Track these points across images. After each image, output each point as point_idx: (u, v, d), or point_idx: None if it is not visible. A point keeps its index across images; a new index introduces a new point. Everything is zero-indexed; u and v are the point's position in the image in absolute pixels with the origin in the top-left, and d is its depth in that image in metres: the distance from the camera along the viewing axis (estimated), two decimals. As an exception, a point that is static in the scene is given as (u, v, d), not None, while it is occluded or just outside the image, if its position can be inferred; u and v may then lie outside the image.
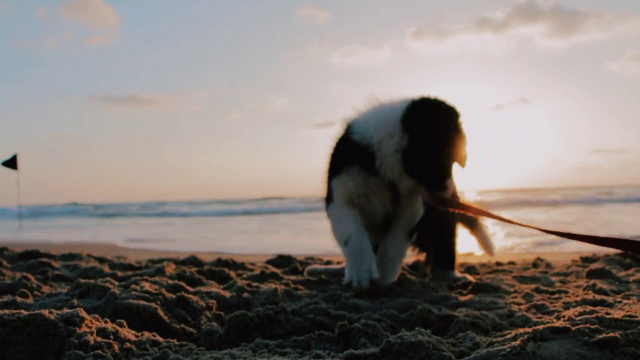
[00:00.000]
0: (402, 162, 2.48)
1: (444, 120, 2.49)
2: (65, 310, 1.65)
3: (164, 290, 2.20)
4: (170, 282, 2.49)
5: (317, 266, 3.33)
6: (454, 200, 2.62)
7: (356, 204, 2.62)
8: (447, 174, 2.54)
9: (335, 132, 2.77)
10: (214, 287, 2.63)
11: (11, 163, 13.84)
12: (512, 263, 4.04)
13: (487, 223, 3.18)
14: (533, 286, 2.72)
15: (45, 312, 1.55)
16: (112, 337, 1.58)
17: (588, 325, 1.47)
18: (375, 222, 2.68)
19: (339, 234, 2.62)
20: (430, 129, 2.46)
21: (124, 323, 1.77)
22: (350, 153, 2.59)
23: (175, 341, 1.72)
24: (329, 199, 2.71)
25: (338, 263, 3.39)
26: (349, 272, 2.51)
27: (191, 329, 1.97)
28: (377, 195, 2.61)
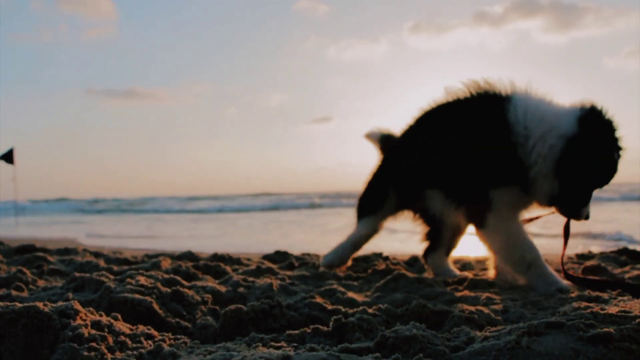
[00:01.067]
0: (558, 185, 2.23)
1: (613, 137, 2.22)
2: (60, 303, 1.65)
3: (159, 285, 2.20)
4: (166, 276, 2.49)
5: None
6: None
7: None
8: (587, 199, 2.33)
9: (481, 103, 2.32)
10: (210, 282, 2.63)
11: (7, 157, 13.77)
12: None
13: None
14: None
15: (40, 304, 1.55)
16: (106, 330, 1.58)
17: (583, 320, 1.47)
18: None
19: (519, 255, 2.33)
20: (596, 146, 2.18)
21: (119, 317, 1.77)
22: (512, 151, 2.26)
23: (170, 335, 1.71)
24: (483, 207, 2.33)
25: None
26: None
27: (186, 323, 1.96)
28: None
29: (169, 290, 2.14)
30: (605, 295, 2.14)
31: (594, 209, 2.50)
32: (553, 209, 2.42)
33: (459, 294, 2.37)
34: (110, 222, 15.50)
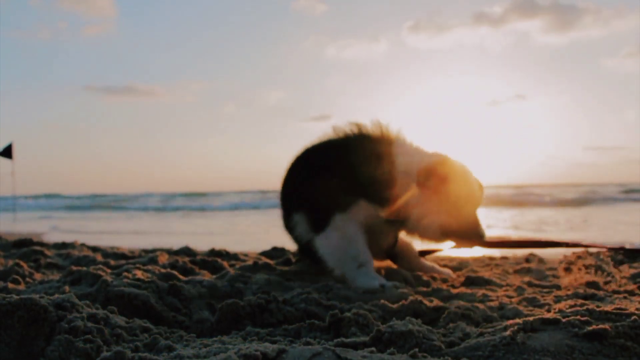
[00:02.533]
0: (438, 226, 2.52)
1: (464, 178, 2.57)
2: (57, 296, 1.65)
3: (156, 279, 2.20)
4: (163, 270, 2.49)
5: None
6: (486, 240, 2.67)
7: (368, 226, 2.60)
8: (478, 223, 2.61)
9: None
10: (207, 277, 2.63)
11: (6, 152, 13.73)
12: (504, 257, 4.05)
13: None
14: (525, 280, 2.73)
15: (36, 296, 1.55)
16: (102, 322, 1.58)
17: (578, 317, 1.47)
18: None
19: (351, 255, 2.52)
20: (455, 191, 2.51)
21: (115, 310, 1.77)
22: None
23: (166, 328, 1.72)
24: (339, 206, 2.57)
25: None
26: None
27: (183, 317, 1.97)
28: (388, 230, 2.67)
29: (165, 284, 2.14)
30: (600, 293, 2.15)
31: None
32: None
33: (455, 291, 2.37)
34: (89, 219, 15.49)
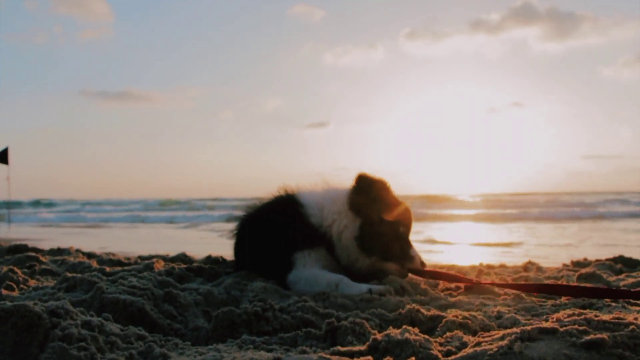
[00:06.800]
0: (362, 248, 2.67)
1: (385, 194, 2.73)
2: (51, 303, 1.63)
3: (151, 286, 2.18)
4: (159, 278, 2.47)
5: None
6: (423, 269, 2.78)
7: None
8: (408, 245, 2.77)
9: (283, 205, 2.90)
10: (203, 284, 2.61)
11: (2, 157, 13.67)
12: (503, 266, 4.04)
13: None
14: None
15: (30, 303, 1.54)
16: (97, 330, 1.56)
17: (576, 326, 1.46)
18: None
19: (324, 284, 2.56)
20: (377, 209, 2.68)
21: (110, 317, 1.75)
22: (311, 236, 2.73)
23: (161, 336, 1.70)
24: (287, 268, 2.70)
25: None
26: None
27: (178, 325, 1.95)
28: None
29: (161, 291, 2.12)
30: (599, 302, 2.14)
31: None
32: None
33: (453, 299, 2.36)
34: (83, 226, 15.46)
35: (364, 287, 2.43)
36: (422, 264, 2.79)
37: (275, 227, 2.84)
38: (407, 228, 2.79)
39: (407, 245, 2.77)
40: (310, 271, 2.64)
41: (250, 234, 3.02)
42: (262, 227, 2.93)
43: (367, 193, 2.70)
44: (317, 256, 2.71)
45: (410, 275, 2.76)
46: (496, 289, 2.59)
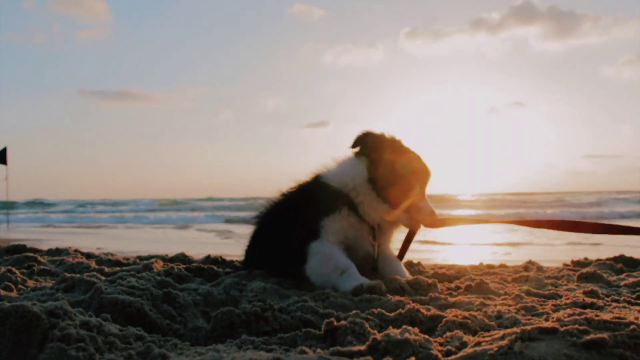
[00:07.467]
0: (375, 190, 2.76)
1: (394, 149, 2.83)
2: (49, 303, 1.62)
3: (150, 286, 2.18)
4: (158, 278, 2.46)
5: None
6: (436, 218, 2.85)
7: (343, 242, 2.80)
8: (419, 195, 2.82)
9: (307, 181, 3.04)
10: (202, 284, 2.60)
11: (0, 157, 13.66)
12: (503, 266, 4.03)
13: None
14: (523, 288, 2.71)
15: (29, 303, 1.53)
16: (95, 330, 1.56)
17: (577, 326, 1.46)
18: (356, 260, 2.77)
19: (332, 266, 2.63)
20: (386, 165, 2.77)
21: (109, 317, 1.74)
22: (334, 199, 2.82)
23: (160, 336, 1.69)
24: (311, 236, 2.76)
25: None
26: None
27: (177, 325, 1.94)
28: (362, 237, 2.83)
29: (160, 291, 2.11)
30: (600, 302, 2.13)
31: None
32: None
33: (452, 299, 2.36)
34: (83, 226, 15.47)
35: (357, 281, 2.45)
36: (432, 213, 2.83)
37: (299, 200, 2.97)
38: (418, 177, 2.84)
39: (419, 195, 2.82)
40: (329, 248, 2.69)
41: (274, 216, 3.11)
42: (286, 206, 3.06)
43: (373, 144, 2.82)
44: (341, 223, 2.77)
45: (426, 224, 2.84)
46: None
